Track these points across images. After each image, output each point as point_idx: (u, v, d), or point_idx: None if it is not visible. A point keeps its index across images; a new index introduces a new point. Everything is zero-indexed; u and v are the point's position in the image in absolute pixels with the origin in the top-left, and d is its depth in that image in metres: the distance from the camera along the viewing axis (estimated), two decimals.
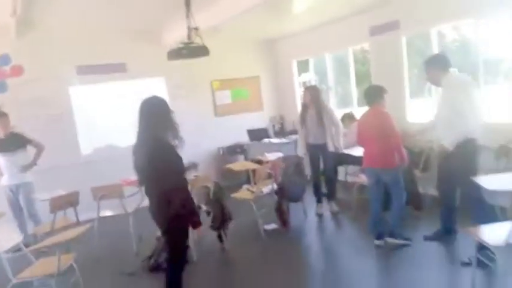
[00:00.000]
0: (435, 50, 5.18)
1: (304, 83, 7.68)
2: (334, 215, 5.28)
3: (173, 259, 3.12)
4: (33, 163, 5.20)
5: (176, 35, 5.62)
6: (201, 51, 4.63)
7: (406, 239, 3.99)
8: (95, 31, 6.25)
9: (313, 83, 7.41)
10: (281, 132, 7.79)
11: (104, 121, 6.66)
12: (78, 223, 4.31)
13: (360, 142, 4.24)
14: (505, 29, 4.65)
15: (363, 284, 3.54)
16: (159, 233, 3.92)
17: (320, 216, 5.32)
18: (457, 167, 3.60)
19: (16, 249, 3.76)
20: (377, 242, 4.05)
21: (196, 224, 3.00)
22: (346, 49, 6.69)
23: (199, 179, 4.71)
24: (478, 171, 3.54)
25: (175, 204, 2.81)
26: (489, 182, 3.02)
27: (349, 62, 6.68)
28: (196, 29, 4.53)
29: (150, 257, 4.20)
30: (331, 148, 5.20)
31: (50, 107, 6.19)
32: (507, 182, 3.04)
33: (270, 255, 4.37)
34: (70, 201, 4.38)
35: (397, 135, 3.91)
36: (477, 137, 3.57)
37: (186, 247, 3.26)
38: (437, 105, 3.88)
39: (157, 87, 6.83)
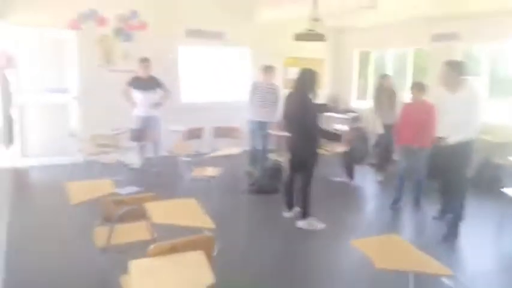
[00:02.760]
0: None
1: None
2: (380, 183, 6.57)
3: (307, 183, 4.52)
4: (160, 102, 6.41)
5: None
6: (320, 37, 6.00)
7: None
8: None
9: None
10: (336, 109, 9.11)
11: (201, 77, 8.26)
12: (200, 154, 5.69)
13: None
14: None
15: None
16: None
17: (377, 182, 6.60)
18: (457, 162, 4.27)
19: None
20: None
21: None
22: (406, 48, 7.94)
23: None
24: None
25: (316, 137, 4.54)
26: None
27: (408, 60, 7.92)
28: (317, 20, 5.67)
29: (253, 184, 5.85)
30: None
31: (161, 60, 7.13)
32: None
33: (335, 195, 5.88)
34: (198, 134, 6.01)
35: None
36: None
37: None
38: (452, 106, 4.20)
39: (243, 55, 8.49)
